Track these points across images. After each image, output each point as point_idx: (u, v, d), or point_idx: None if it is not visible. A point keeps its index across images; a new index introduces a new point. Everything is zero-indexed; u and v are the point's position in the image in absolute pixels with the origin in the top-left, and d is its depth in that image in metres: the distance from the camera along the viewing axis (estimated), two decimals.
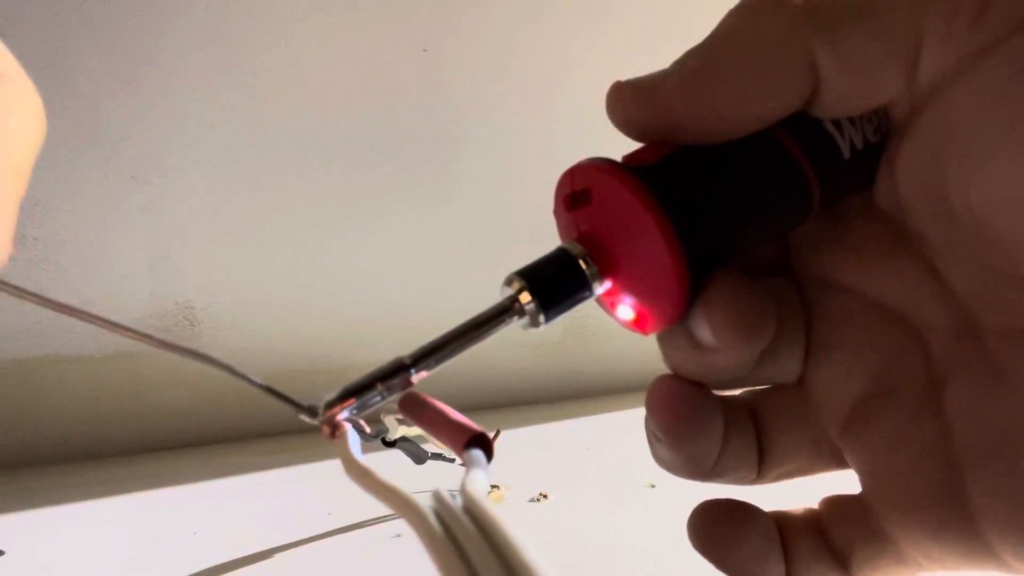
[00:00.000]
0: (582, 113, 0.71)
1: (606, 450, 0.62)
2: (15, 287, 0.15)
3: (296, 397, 0.16)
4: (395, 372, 0.16)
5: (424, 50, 0.67)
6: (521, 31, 0.69)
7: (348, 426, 0.16)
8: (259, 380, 0.16)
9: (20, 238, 0.61)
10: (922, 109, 0.15)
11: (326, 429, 0.16)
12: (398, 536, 0.46)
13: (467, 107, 0.70)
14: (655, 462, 0.19)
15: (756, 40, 0.15)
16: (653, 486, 0.52)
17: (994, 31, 0.14)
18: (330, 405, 0.16)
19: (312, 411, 0.16)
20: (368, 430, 0.16)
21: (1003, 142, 0.13)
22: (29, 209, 0.61)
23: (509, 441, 0.52)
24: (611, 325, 0.78)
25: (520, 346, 0.77)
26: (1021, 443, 0.14)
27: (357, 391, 0.16)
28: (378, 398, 0.16)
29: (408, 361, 0.16)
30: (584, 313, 0.78)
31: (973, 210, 0.14)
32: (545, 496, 0.52)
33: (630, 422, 0.69)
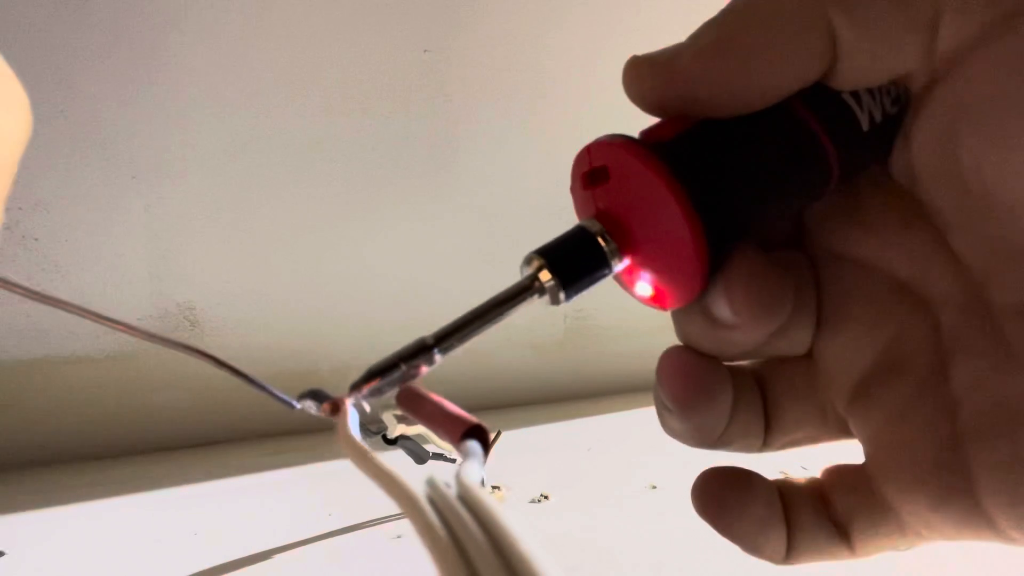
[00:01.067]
0: (582, 112, 0.71)
1: (607, 451, 0.62)
2: (15, 283, 0.15)
3: (294, 395, 0.16)
4: (418, 352, 0.16)
5: (425, 51, 0.67)
6: (522, 31, 0.69)
7: (349, 403, 0.16)
8: (251, 376, 0.16)
9: (20, 238, 0.61)
10: (939, 80, 0.15)
11: (326, 406, 0.16)
12: (398, 537, 0.46)
13: (467, 107, 0.70)
14: (664, 431, 0.19)
15: (774, 10, 0.15)
16: (654, 487, 0.52)
17: (1013, 3, 0.14)
18: (355, 385, 0.16)
19: (317, 396, 0.16)
20: (368, 409, 0.16)
21: (1018, 115, 0.13)
22: (30, 209, 0.61)
23: (510, 442, 0.52)
24: (612, 325, 0.77)
25: (521, 346, 0.77)
26: None
27: (381, 371, 0.16)
28: (399, 380, 0.16)
29: (431, 341, 0.16)
30: (585, 313, 0.78)
31: (986, 182, 0.14)
32: (546, 497, 0.52)
33: (631, 423, 0.69)
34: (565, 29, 0.70)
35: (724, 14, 0.15)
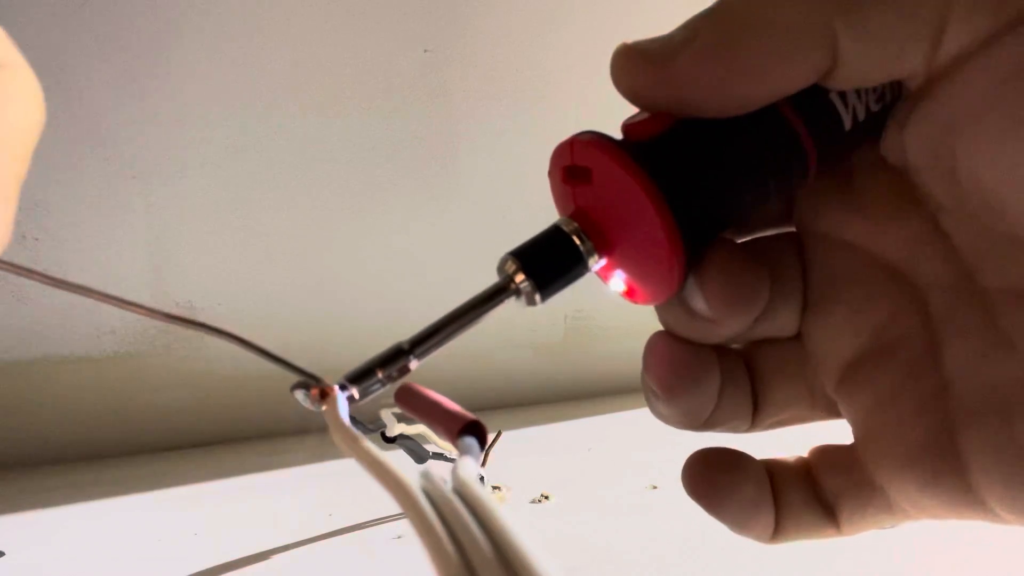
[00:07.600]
0: (583, 112, 0.71)
1: (608, 451, 0.62)
2: (29, 269, 0.15)
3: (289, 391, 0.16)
4: (394, 358, 0.16)
5: (425, 50, 0.67)
6: (522, 31, 0.69)
7: (337, 390, 0.16)
8: (272, 352, 0.16)
9: (20, 238, 0.61)
10: (937, 81, 0.15)
11: (315, 392, 0.16)
12: (399, 537, 0.46)
13: (467, 107, 0.70)
14: (652, 415, 0.19)
15: (776, 17, 0.14)
16: (654, 487, 0.52)
17: (1017, 10, 0.14)
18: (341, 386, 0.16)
19: (307, 387, 0.16)
20: (357, 396, 0.16)
21: (1016, 121, 0.13)
22: (30, 209, 0.61)
23: (510, 442, 0.52)
24: (612, 325, 0.77)
25: (521, 347, 0.77)
26: (1018, 401, 0.15)
27: (357, 378, 0.16)
28: (378, 385, 0.16)
29: (406, 346, 0.16)
30: (585, 313, 0.78)
31: (982, 183, 0.14)
32: (547, 497, 0.52)
33: (631, 423, 0.69)
34: (565, 29, 0.70)
35: (722, 13, 0.15)
